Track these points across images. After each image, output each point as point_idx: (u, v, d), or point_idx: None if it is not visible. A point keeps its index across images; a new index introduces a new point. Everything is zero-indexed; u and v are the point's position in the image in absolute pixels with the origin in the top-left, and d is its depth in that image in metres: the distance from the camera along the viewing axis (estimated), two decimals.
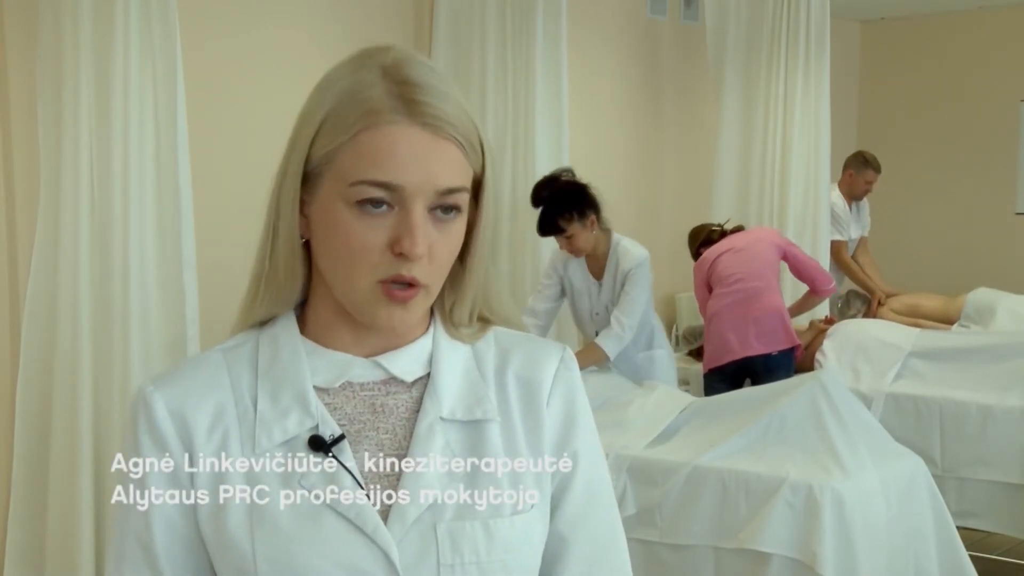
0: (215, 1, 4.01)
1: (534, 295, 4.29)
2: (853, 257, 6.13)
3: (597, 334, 4.21)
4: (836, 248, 5.82)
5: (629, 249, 4.13)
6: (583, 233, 4.03)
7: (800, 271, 4.64)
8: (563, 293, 4.29)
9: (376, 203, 1.02)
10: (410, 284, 1.03)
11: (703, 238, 4.74)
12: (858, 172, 5.98)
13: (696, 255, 4.75)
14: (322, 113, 1.04)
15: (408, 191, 1.01)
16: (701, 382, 4.63)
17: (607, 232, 4.13)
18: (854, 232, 6.07)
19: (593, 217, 4.03)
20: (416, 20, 4.75)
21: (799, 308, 4.80)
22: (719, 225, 4.79)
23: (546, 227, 4.03)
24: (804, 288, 4.77)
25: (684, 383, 5.11)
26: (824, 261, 5.38)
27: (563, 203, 3.99)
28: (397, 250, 1.01)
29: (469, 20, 4.64)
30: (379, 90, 1.03)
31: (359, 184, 1.01)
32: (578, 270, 4.22)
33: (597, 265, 4.19)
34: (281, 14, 4.25)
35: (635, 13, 5.86)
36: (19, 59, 3.34)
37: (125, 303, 3.17)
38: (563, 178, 4.06)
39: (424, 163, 1.02)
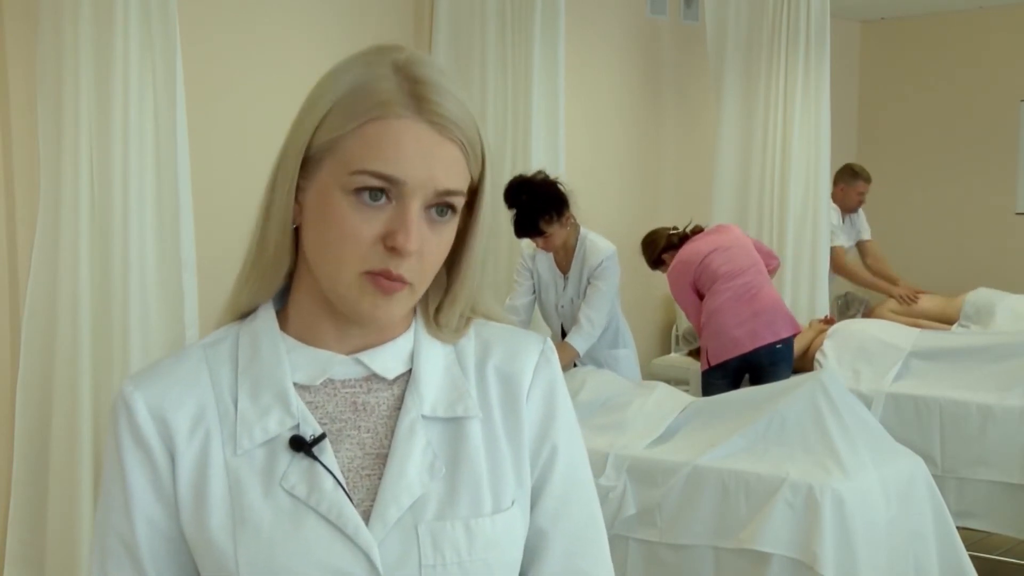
0: (215, 1, 4.02)
1: (511, 293, 4.29)
2: (866, 264, 6.05)
3: (563, 327, 4.23)
4: (833, 255, 5.72)
5: (596, 243, 4.11)
6: (560, 232, 4.03)
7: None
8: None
9: (374, 194, 1.01)
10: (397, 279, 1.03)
11: (665, 244, 4.62)
12: (848, 184, 5.92)
13: (657, 262, 4.65)
14: (330, 100, 1.04)
15: (408, 187, 1.01)
16: (700, 381, 4.62)
17: (575, 226, 4.12)
18: (845, 240, 5.97)
19: (568, 214, 4.02)
20: (416, 20, 4.75)
21: None
22: (675, 229, 4.67)
23: (526, 230, 4.01)
24: (797, 279, 4.81)
25: (684, 383, 5.11)
26: (827, 262, 5.39)
27: (542, 205, 3.96)
28: (389, 244, 1.01)
29: (469, 20, 4.65)
30: (391, 84, 1.03)
31: (360, 173, 1.01)
32: (545, 263, 4.22)
33: (564, 259, 4.18)
34: (281, 14, 4.25)
35: (635, 13, 5.86)
36: (19, 59, 3.34)
37: (125, 303, 3.17)
38: (537, 179, 4.01)
39: (427, 161, 1.02)
